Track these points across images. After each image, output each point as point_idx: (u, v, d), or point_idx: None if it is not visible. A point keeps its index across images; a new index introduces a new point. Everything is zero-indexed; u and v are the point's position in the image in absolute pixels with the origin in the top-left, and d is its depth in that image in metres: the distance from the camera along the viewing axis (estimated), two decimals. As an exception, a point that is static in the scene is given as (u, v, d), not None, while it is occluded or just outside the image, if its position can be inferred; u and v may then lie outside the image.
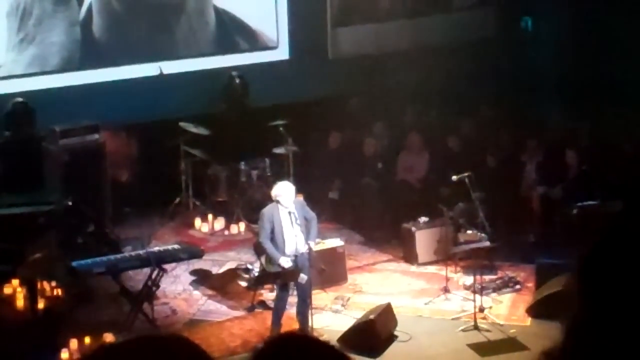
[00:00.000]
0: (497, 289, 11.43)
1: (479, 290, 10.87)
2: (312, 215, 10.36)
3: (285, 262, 10.10)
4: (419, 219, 12.40)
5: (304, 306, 10.24)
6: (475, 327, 10.48)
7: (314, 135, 14.05)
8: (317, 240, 10.83)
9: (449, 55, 15.08)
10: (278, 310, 10.29)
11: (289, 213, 10.11)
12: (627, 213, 12.07)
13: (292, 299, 10.49)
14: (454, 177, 11.33)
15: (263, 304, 11.13)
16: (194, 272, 12.09)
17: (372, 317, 10.17)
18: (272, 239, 10.13)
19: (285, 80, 14.71)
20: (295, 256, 10.20)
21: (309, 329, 10.16)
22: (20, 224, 11.27)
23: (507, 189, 13.06)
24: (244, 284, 11.65)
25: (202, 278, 12.00)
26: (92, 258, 10.66)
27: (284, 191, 10.14)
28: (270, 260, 10.23)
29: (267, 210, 10.21)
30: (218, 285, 11.81)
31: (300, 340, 2.27)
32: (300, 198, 10.44)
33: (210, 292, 11.66)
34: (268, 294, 11.22)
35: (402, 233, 12.52)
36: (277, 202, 10.13)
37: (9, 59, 13.52)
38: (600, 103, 14.27)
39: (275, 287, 10.61)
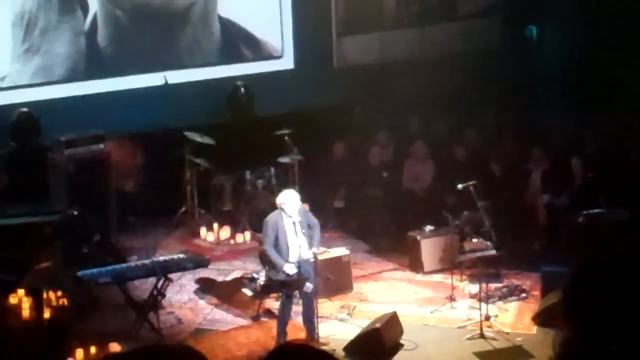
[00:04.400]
0: (503, 298, 11.41)
1: (485, 298, 10.85)
2: (314, 221, 10.38)
3: (290, 269, 10.13)
4: (425, 228, 12.39)
5: (310, 312, 10.25)
6: (482, 336, 10.46)
7: (319, 145, 14.06)
8: (322, 248, 10.82)
9: (454, 63, 15.09)
10: (283, 319, 10.29)
11: (293, 223, 10.13)
12: (633, 222, 12.04)
13: (297, 308, 10.50)
14: (459, 186, 11.32)
15: (269, 313, 11.12)
16: (199, 282, 12.09)
17: (378, 325, 10.16)
18: (276, 246, 10.16)
19: (290, 89, 14.73)
20: (299, 265, 10.21)
21: (317, 336, 10.17)
22: (25, 233, 11.28)
23: (513, 197, 13.06)
24: (249, 293, 11.65)
25: (207, 287, 12.00)
26: (97, 267, 10.67)
27: (289, 199, 10.16)
28: (275, 267, 10.25)
29: (270, 218, 10.24)
30: (224, 294, 11.82)
31: (302, 350, 2.28)
32: (304, 205, 10.45)
33: (216, 301, 11.66)
34: (274, 303, 11.21)
35: (407, 242, 12.52)
36: (282, 209, 10.15)
37: (14, 69, 13.55)
38: (606, 111, 14.27)
39: (280, 296, 10.61)
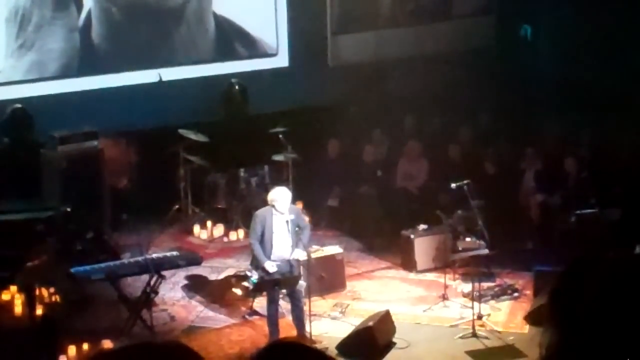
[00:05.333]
0: (496, 297, 11.43)
1: (478, 297, 10.87)
2: (305, 224, 10.39)
3: (270, 267, 10.13)
4: (418, 227, 12.40)
5: (299, 310, 10.25)
6: (474, 335, 10.48)
7: (313, 143, 14.06)
8: (315, 246, 10.83)
9: (448, 63, 15.10)
10: (272, 317, 10.27)
11: (286, 221, 10.13)
12: (625, 222, 12.08)
13: (288, 305, 10.50)
14: (453, 185, 11.33)
15: (263, 311, 11.11)
16: (192, 279, 12.08)
17: (370, 324, 10.17)
18: (261, 242, 10.15)
19: (285, 87, 14.73)
20: (291, 264, 10.22)
21: (307, 333, 10.17)
22: (18, 230, 11.26)
23: (506, 196, 13.07)
24: (242, 291, 11.64)
25: (200, 285, 12.00)
26: (90, 264, 10.66)
27: (279, 196, 10.16)
28: (256, 261, 10.28)
29: (260, 213, 10.26)
30: (217, 292, 11.81)
31: (292, 348, 2.28)
32: (298, 206, 10.46)
33: (208, 299, 11.65)
34: (263, 301, 11.22)
35: (401, 240, 12.52)
36: (273, 206, 10.16)
37: (8, 65, 13.53)
38: (600, 111, 14.28)
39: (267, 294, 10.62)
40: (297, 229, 10.23)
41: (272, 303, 10.26)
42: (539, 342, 2.29)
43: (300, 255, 10.32)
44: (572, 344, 2.20)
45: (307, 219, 11.23)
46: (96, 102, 13.57)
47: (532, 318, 10.70)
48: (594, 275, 2.26)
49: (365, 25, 15.69)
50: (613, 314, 2.19)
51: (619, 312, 2.19)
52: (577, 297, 2.23)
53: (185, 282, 12.02)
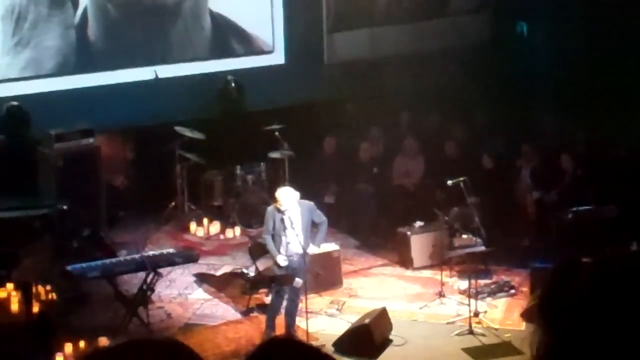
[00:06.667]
0: (492, 294, 11.44)
1: (474, 294, 10.87)
2: (322, 219, 10.51)
3: (282, 261, 10.19)
4: (415, 224, 12.41)
5: (293, 307, 10.32)
6: (470, 332, 10.49)
7: (309, 140, 14.05)
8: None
9: (444, 60, 15.09)
10: (273, 313, 10.31)
11: (282, 219, 10.19)
12: (621, 218, 12.08)
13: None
14: (449, 182, 11.35)
15: (258, 308, 11.13)
16: (189, 276, 12.08)
17: (367, 321, 10.17)
18: (274, 237, 10.26)
19: (281, 84, 14.71)
20: (291, 259, 10.26)
21: (295, 330, 10.21)
22: (15, 227, 11.25)
23: (503, 193, 13.08)
24: (239, 288, 11.65)
25: (197, 282, 12.00)
26: (87, 262, 10.66)
27: (282, 196, 10.31)
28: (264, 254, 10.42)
29: (270, 209, 10.45)
30: (213, 289, 11.82)
31: (289, 345, 2.28)
32: (311, 203, 10.55)
33: (205, 296, 11.65)
34: (263, 298, 11.23)
35: (397, 237, 12.53)
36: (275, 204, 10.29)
37: (4, 62, 13.51)
38: (596, 108, 14.29)
39: (270, 291, 10.63)
40: (294, 225, 10.26)
41: (277, 299, 10.32)
42: (529, 343, 2.30)
43: (314, 250, 10.40)
44: (562, 345, 2.21)
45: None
46: (92, 99, 13.55)
47: (528, 315, 10.71)
48: (583, 276, 2.26)
49: (361, 23, 15.68)
50: (601, 315, 2.20)
51: (607, 313, 2.20)
52: (566, 298, 2.24)
53: (182, 279, 12.01)
